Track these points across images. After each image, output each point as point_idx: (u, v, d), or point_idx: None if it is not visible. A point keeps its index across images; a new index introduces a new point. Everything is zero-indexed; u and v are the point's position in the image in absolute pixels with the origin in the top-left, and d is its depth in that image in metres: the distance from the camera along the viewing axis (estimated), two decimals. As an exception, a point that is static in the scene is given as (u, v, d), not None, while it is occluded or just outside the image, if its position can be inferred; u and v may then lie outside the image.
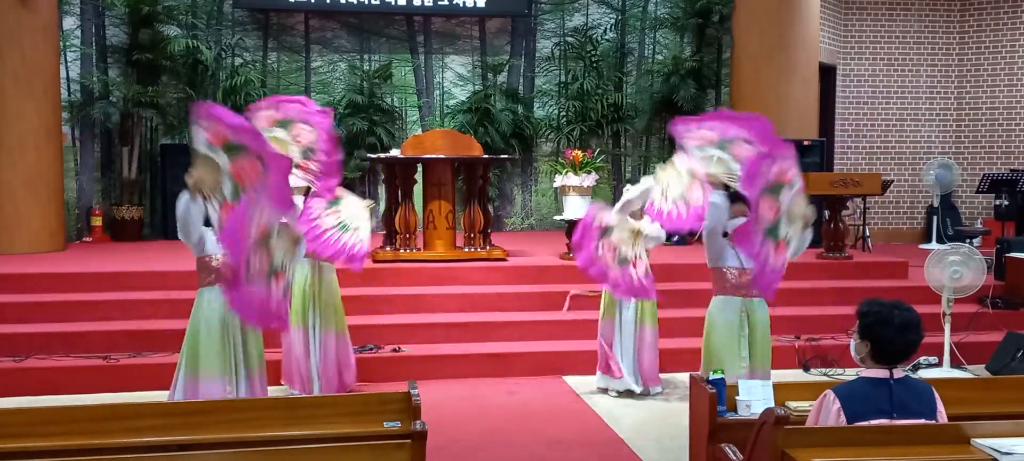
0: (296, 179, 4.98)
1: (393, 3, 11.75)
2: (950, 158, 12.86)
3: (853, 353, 3.47)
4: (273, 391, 5.89)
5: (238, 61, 11.66)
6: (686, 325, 7.48)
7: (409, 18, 12.06)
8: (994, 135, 13.02)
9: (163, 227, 11.17)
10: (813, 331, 7.79)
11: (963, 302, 7.64)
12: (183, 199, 4.71)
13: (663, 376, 6.67)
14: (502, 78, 12.28)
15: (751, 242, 4.47)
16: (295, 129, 4.97)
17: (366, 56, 12.02)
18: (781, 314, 8.03)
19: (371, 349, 7.10)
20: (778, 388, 4.17)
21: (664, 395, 6.53)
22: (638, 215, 6.03)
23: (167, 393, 5.87)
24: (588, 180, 8.94)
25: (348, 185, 11.60)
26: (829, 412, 3.38)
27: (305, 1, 11.67)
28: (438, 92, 12.18)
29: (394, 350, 7.17)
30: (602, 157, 11.63)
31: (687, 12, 12.07)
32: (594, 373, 6.66)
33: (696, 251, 9.70)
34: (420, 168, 8.77)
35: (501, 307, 7.95)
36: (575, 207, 8.94)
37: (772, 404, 3.97)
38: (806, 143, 10.55)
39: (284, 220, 4.56)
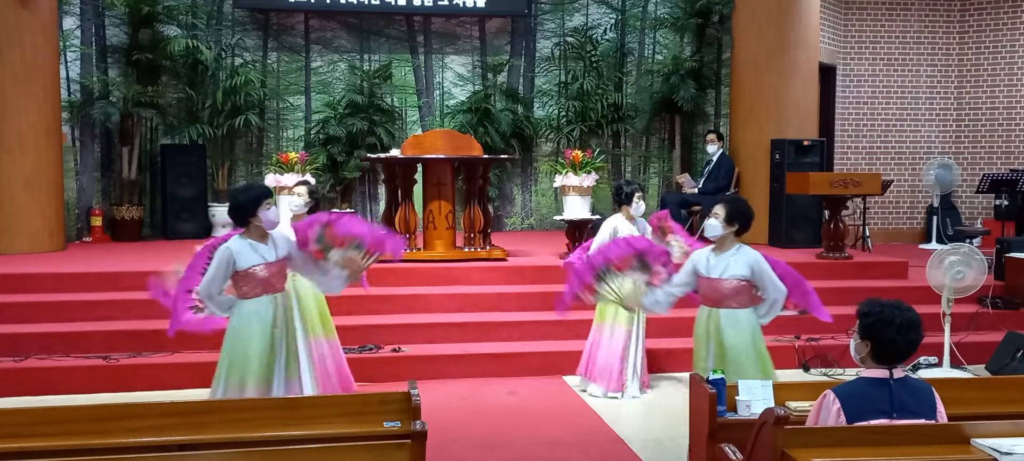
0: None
1: (393, 3, 11.75)
2: (950, 158, 12.86)
3: (853, 353, 3.47)
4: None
5: (238, 61, 11.66)
6: (686, 325, 7.47)
7: (409, 18, 12.06)
8: (994, 135, 13.02)
9: (163, 227, 11.17)
10: (813, 331, 7.78)
11: (963, 302, 7.65)
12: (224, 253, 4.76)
13: (664, 376, 6.67)
14: (502, 78, 12.28)
15: None
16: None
17: (366, 56, 12.02)
18: (781, 314, 8.02)
19: (371, 349, 7.10)
20: (778, 388, 4.17)
21: (664, 395, 6.53)
22: None
23: (168, 393, 5.89)
24: (588, 180, 8.96)
25: (348, 185, 11.67)
26: (829, 412, 3.38)
27: (305, 1, 11.67)
28: (438, 92, 12.18)
29: (394, 350, 7.17)
30: (602, 157, 11.64)
31: (687, 12, 12.07)
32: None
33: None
34: (420, 168, 8.77)
35: (501, 307, 7.95)
36: (575, 207, 8.96)
37: (772, 404, 3.97)
38: (806, 143, 10.54)
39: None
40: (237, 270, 4.74)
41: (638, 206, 6.47)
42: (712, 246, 4.97)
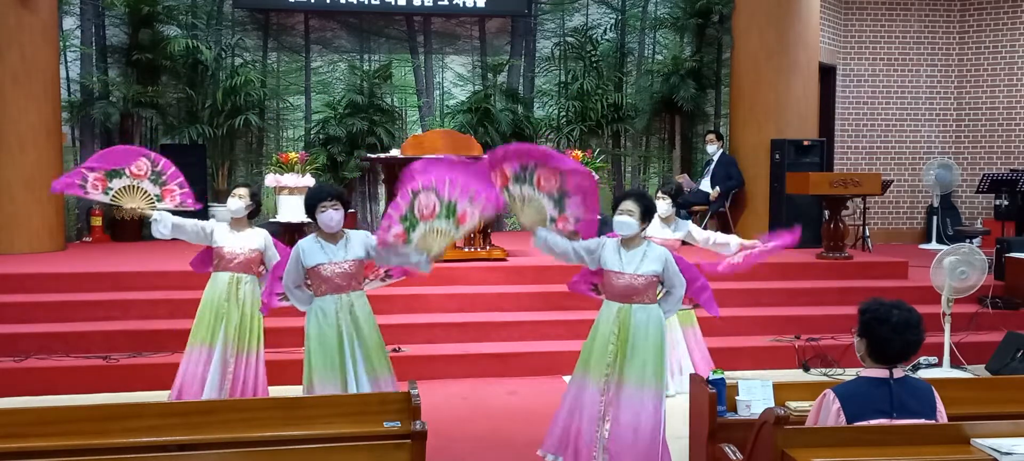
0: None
1: (393, 3, 11.75)
2: (950, 158, 12.86)
3: (856, 352, 3.47)
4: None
5: (238, 61, 11.66)
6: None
7: (409, 18, 12.06)
8: (994, 135, 13.02)
9: (163, 227, 11.16)
10: (813, 331, 7.79)
11: (963, 302, 7.65)
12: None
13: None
14: (502, 78, 12.28)
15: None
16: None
17: (366, 56, 12.02)
18: (781, 314, 8.06)
19: (371, 349, 7.09)
20: (778, 388, 4.17)
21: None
22: None
23: (167, 393, 5.87)
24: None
25: (348, 185, 11.66)
26: (829, 412, 3.37)
27: (305, 1, 11.67)
28: (438, 92, 12.18)
29: (394, 350, 7.16)
30: (602, 157, 11.65)
31: (687, 12, 12.07)
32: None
33: (693, 251, 9.70)
34: (420, 168, 8.75)
35: (501, 307, 7.95)
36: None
37: (772, 404, 3.97)
38: (806, 143, 10.55)
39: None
40: (305, 267, 4.81)
41: (662, 205, 6.44)
42: (618, 240, 4.74)
